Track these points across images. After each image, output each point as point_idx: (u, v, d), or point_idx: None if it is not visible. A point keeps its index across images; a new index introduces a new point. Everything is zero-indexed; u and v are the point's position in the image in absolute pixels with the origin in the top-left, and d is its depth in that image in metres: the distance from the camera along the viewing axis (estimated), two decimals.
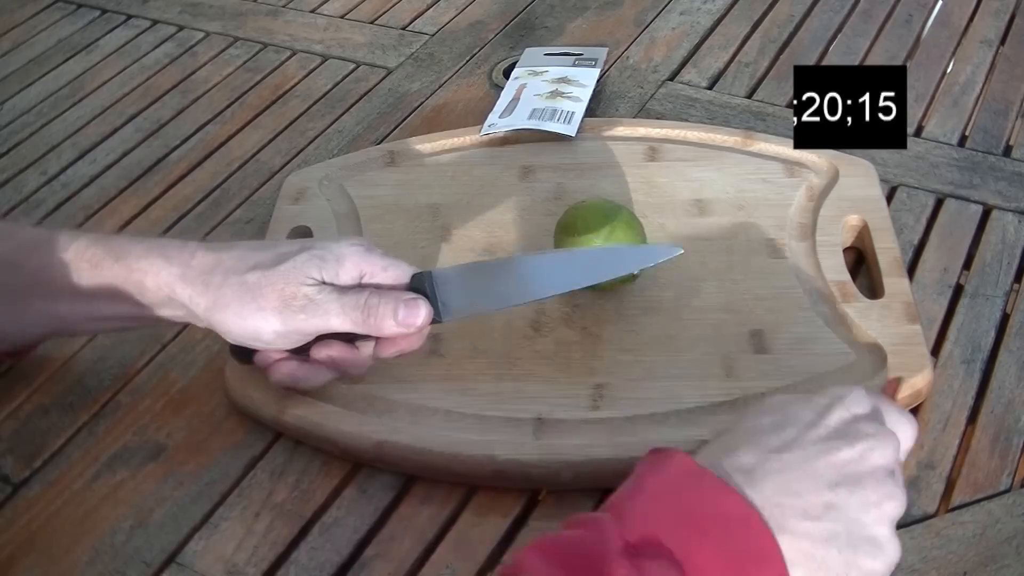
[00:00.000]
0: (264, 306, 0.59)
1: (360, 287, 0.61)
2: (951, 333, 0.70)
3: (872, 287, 0.72)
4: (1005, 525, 0.60)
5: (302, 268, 0.60)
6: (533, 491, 0.63)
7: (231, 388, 0.68)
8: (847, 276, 0.71)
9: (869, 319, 0.68)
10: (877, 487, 0.49)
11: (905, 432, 0.52)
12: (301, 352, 0.63)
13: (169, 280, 0.61)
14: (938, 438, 0.65)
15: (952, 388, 0.67)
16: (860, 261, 0.75)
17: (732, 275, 0.72)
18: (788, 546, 0.46)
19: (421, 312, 0.61)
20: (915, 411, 0.66)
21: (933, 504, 0.61)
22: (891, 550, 0.48)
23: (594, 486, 0.62)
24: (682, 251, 0.64)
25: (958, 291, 0.73)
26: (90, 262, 0.62)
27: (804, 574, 0.47)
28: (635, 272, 0.69)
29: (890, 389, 0.63)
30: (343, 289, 0.61)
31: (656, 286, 0.71)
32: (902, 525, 0.60)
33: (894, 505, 0.49)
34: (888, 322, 0.68)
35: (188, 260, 0.61)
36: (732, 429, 0.52)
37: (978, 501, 0.61)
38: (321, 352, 0.62)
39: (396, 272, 0.62)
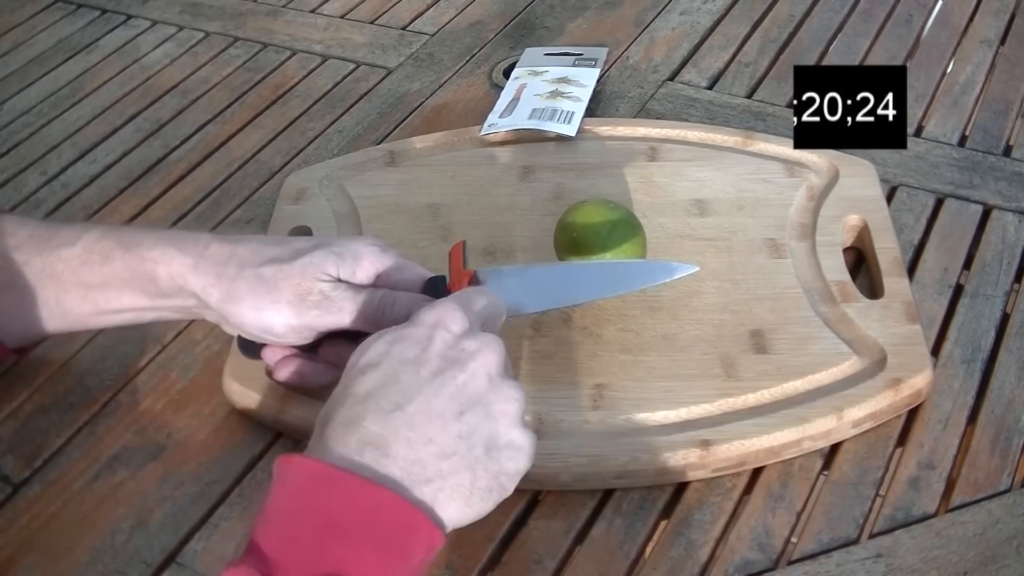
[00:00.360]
0: (279, 299, 0.59)
1: (375, 287, 0.61)
2: (951, 333, 0.70)
3: (872, 287, 0.72)
4: (1005, 525, 0.60)
5: (319, 264, 0.60)
6: (533, 491, 0.63)
7: (231, 388, 0.68)
8: (847, 276, 0.71)
9: (869, 319, 0.68)
10: (497, 395, 0.52)
11: (493, 310, 0.56)
12: (307, 350, 0.63)
13: (181, 270, 0.61)
14: (938, 438, 0.65)
15: (952, 388, 0.67)
16: (860, 261, 0.75)
17: (732, 275, 0.72)
18: (436, 493, 0.49)
19: None
20: (915, 411, 0.66)
21: (933, 504, 0.61)
22: (527, 444, 0.52)
23: (594, 486, 0.63)
24: (697, 269, 0.66)
25: (958, 291, 0.73)
26: (100, 254, 0.62)
27: (461, 505, 0.50)
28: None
29: (456, 255, 0.63)
30: (358, 288, 0.61)
31: (656, 286, 0.71)
32: (903, 525, 0.60)
33: (516, 404, 0.52)
34: (888, 322, 0.68)
35: (201, 251, 0.61)
36: (349, 394, 0.51)
37: (978, 501, 0.61)
38: (331, 351, 0.62)
39: (411, 274, 0.62)
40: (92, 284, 0.63)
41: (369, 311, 0.60)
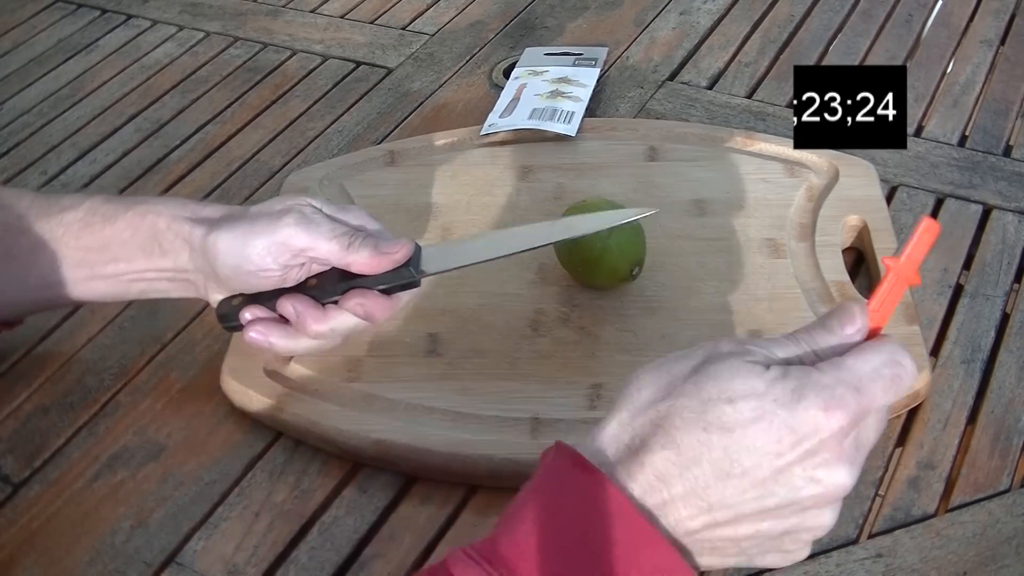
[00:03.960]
0: (256, 224, 0.62)
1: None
2: (951, 333, 0.70)
3: (871, 288, 0.72)
4: (1005, 525, 0.60)
5: (304, 198, 0.64)
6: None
7: (230, 388, 0.69)
8: (846, 277, 0.71)
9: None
10: (809, 523, 0.46)
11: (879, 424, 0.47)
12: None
13: (178, 219, 0.63)
14: (938, 438, 0.65)
15: (952, 388, 0.67)
16: (860, 261, 0.75)
17: (731, 275, 0.72)
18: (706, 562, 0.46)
19: (401, 248, 0.62)
20: (915, 411, 0.66)
21: (933, 504, 0.61)
22: (796, 558, 0.47)
23: None
24: (656, 211, 0.65)
25: (958, 291, 0.73)
26: (104, 215, 0.64)
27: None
28: (634, 273, 0.70)
29: (874, 322, 0.49)
30: (337, 219, 0.63)
31: (655, 286, 0.72)
32: (903, 525, 0.60)
33: (816, 532, 0.47)
34: (887, 323, 0.68)
35: (200, 209, 0.65)
36: (707, 458, 0.44)
37: (978, 501, 0.61)
38: (286, 305, 0.63)
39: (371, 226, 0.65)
40: (91, 247, 0.64)
41: (343, 238, 0.62)
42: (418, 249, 0.64)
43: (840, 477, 0.45)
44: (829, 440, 0.44)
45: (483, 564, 0.42)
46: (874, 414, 0.46)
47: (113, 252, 0.64)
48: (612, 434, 0.46)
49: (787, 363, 0.46)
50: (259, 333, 0.64)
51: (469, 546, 0.44)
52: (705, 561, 0.46)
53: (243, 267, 0.62)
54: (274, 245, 0.61)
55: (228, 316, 0.65)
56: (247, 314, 0.64)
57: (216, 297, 0.66)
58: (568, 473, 0.44)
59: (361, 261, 0.62)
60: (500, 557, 0.43)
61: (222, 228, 0.62)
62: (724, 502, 0.44)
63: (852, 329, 0.47)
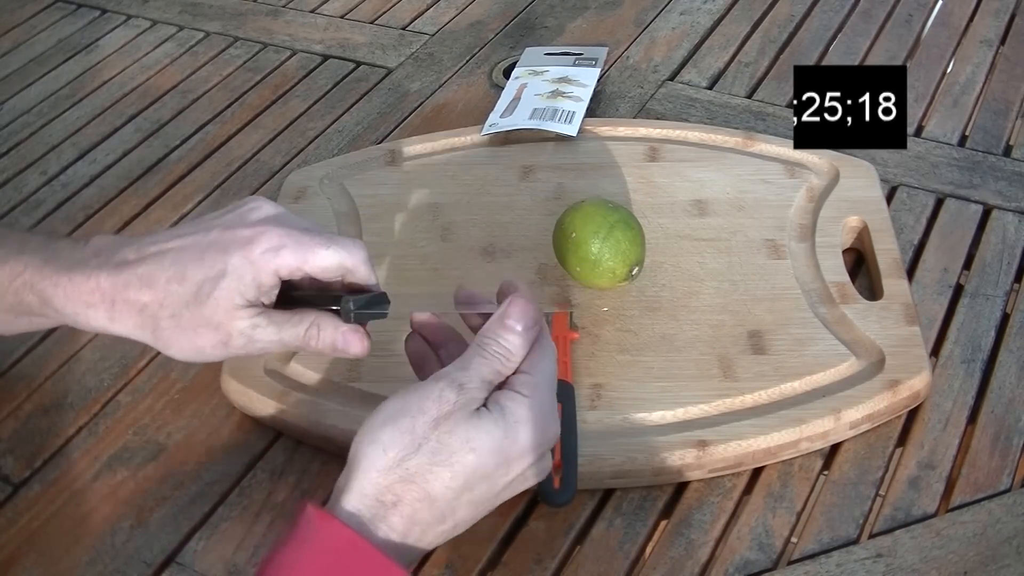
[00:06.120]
0: (204, 345, 0.59)
1: (300, 311, 0.59)
2: (951, 333, 0.70)
3: (871, 288, 0.72)
4: (1005, 525, 0.60)
5: (226, 299, 0.58)
6: (533, 491, 0.63)
7: (230, 387, 0.69)
8: (846, 277, 0.71)
9: (868, 320, 0.68)
10: (513, 491, 0.55)
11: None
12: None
13: (102, 324, 0.60)
14: (938, 438, 0.65)
15: (952, 388, 0.67)
16: (860, 262, 0.75)
17: (731, 276, 0.72)
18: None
19: (356, 346, 0.59)
20: (915, 411, 0.66)
21: (933, 504, 0.61)
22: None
23: (591, 486, 0.63)
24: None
25: (958, 291, 0.73)
26: (16, 296, 0.61)
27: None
28: (633, 273, 0.70)
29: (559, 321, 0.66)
30: (281, 321, 0.59)
31: (655, 286, 0.72)
32: (903, 525, 0.60)
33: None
34: (887, 323, 0.68)
35: (110, 304, 0.60)
36: (426, 493, 0.51)
37: (978, 501, 0.61)
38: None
39: (314, 267, 0.58)
40: (20, 311, 0.61)
41: (295, 342, 0.59)
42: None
43: (545, 463, 0.56)
44: (547, 448, 0.55)
45: None
46: None
47: (44, 320, 0.62)
48: (365, 492, 0.51)
49: (489, 380, 0.54)
50: None
51: None
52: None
53: (205, 359, 0.61)
54: (230, 355, 0.59)
55: None
56: None
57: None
58: (313, 527, 0.50)
59: (325, 348, 0.59)
60: None
61: (172, 347, 0.59)
62: (465, 520, 0.54)
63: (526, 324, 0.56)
